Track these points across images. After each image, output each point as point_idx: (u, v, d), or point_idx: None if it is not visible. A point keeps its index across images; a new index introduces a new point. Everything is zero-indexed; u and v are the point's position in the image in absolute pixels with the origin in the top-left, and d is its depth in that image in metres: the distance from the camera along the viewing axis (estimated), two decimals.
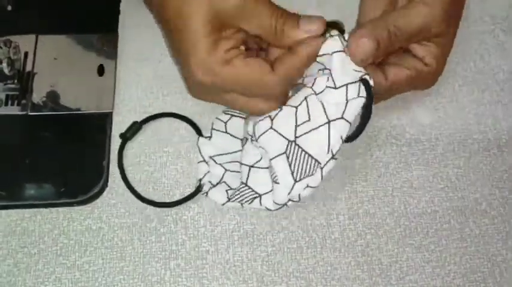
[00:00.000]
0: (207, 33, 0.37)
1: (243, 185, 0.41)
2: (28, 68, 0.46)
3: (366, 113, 0.38)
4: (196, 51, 0.37)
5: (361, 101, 0.37)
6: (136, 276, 0.40)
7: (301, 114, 0.38)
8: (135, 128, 0.44)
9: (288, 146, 0.38)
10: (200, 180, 0.42)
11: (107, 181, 0.43)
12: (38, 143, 0.44)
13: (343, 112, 0.38)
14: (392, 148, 0.45)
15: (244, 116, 0.43)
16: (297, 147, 0.38)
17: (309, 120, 0.38)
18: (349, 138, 0.39)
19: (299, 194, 0.39)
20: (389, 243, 0.42)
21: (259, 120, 0.39)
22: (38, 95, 0.45)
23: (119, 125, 0.45)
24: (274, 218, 0.42)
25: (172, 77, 0.46)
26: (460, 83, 0.48)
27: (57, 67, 0.47)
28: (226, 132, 0.44)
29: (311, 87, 0.38)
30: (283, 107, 0.39)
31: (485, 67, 0.49)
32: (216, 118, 0.44)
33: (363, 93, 0.37)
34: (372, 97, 0.38)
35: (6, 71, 0.42)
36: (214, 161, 0.43)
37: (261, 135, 0.39)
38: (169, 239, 0.41)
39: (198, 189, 0.42)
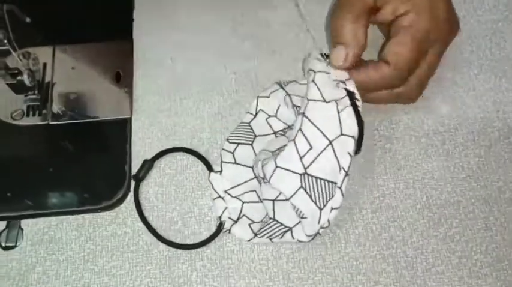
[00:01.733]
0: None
1: (271, 220, 0.40)
2: (47, 78, 0.47)
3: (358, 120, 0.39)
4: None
5: (350, 109, 0.38)
6: (163, 278, 0.40)
7: (301, 145, 0.38)
8: (147, 167, 0.43)
9: (301, 179, 0.38)
10: (220, 217, 0.41)
11: (129, 186, 0.43)
12: (60, 151, 0.45)
13: (341, 128, 0.38)
14: (411, 140, 0.45)
15: (249, 142, 0.43)
16: (310, 177, 0.38)
17: (311, 147, 0.38)
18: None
19: (328, 219, 0.38)
20: (413, 235, 0.42)
21: (264, 165, 0.39)
22: (57, 105, 0.46)
23: (138, 130, 0.45)
24: None
25: (188, 81, 0.47)
26: (475, 71, 0.48)
27: (75, 76, 0.47)
28: (235, 163, 0.43)
29: (303, 113, 0.39)
30: (283, 146, 0.39)
31: (501, 54, 0.48)
32: (223, 149, 0.43)
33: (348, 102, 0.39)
34: (356, 107, 0.39)
35: (27, 82, 0.42)
36: (230, 195, 0.42)
37: (271, 177, 0.38)
38: (194, 240, 0.41)
39: (220, 227, 0.41)
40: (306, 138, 0.38)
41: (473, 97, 0.47)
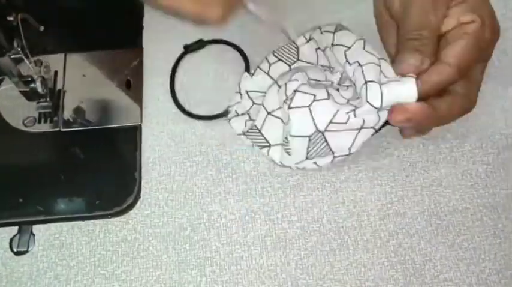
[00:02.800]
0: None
1: (257, 130, 0.44)
2: (58, 86, 0.48)
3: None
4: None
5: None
6: (173, 284, 0.40)
7: (341, 115, 0.39)
8: (200, 44, 0.49)
9: (314, 133, 0.40)
10: (229, 107, 0.46)
11: (139, 192, 0.44)
12: (72, 158, 0.45)
13: (376, 124, 0.40)
14: (419, 147, 0.45)
15: (290, 63, 0.45)
16: (322, 137, 0.40)
17: (345, 123, 0.39)
18: None
19: (304, 167, 0.42)
20: (421, 242, 0.42)
21: (303, 92, 0.40)
22: (68, 112, 0.47)
23: (148, 137, 0.46)
24: (305, 222, 0.43)
25: (197, 88, 0.47)
26: (484, 79, 0.48)
27: (86, 84, 0.48)
28: (268, 73, 0.46)
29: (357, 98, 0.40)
30: (330, 98, 0.40)
31: (508, 63, 0.49)
32: (265, 58, 0.46)
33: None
34: None
35: (39, 89, 0.43)
36: (248, 96, 0.46)
37: (296, 108, 0.40)
38: (203, 246, 0.42)
39: (223, 113, 0.46)
40: (348, 116, 0.39)
41: (481, 105, 0.47)
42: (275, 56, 0.46)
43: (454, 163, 0.45)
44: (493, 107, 0.47)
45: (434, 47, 0.39)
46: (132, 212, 0.43)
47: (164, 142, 0.45)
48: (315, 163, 0.42)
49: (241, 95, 0.46)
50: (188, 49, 0.49)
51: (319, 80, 0.42)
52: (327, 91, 0.40)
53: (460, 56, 0.38)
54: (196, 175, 0.44)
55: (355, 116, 0.39)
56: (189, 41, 0.49)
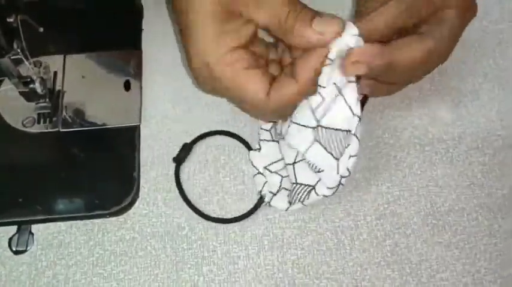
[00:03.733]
0: (214, 17, 0.35)
1: (295, 184, 0.41)
2: (58, 86, 0.48)
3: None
4: (200, 36, 0.36)
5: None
6: (171, 283, 0.41)
7: (313, 99, 0.37)
8: (186, 149, 0.45)
9: (314, 133, 0.38)
10: (260, 191, 0.43)
11: (137, 191, 0.44)
12: (71, 158, 0.46)
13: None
14: (416, 148, 0.46)
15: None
16: (323, 129, 0.38)
17: (323, 100, 0.37)
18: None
19: (347, 168, 0.39)
20: (418, 242, 0.42)
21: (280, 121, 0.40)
22: (68, 112, 0.47)
23: (147, 137, 0.46)
24: (302, 222, 0.43)
25: (196, 90, 0.48)
26: (480, 80, 0.48)
27: (85, 85, 0.48)
28: (273, 140, 0.44)
29: None
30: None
31: (505, 64, 0.49)
32: (261, 128, 0.45)
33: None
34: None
35: (39, 90, 0.43)
36: (269, 171, 0.44)
37: (286, 134, 0.39)
38: (201, 246, 0.42)
39: (261, 200, 0.43)
40: (318, 91, 0.37)
41: (478, 106, 0.47)
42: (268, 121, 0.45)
43: (450, 164, 0.45)
44: (490, 109, 0.47)
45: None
46: (130, 212, 0.43)
47: (163, 142, 0.46)
48: (350, 156, 0.38)
49: (261, 173, 0.44)
50: (179, 161, 0.44)
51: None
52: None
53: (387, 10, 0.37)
54: (194, 175, 0.45)
55: (320, 86, 0.37)
56: None
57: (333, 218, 0.43)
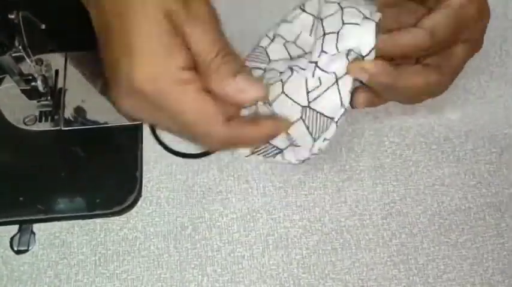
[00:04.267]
0: (160, 34, 0.31)
1: (267, 143, 0.42)
2: (59, 85, 0.47)
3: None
4: (146, 52, 0.31)
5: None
6: (174, 283, 0.40)
7: (311, 82, 0.38)
8: None
9: (302, 111, 0.39)
10: None
11: (140, 191, 0.43)
12: (72, 157, 0.45)
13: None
14: (422, 147, 0.45)
15: (263, 66, 0.44)
16: (311, 110, 0.39)
17: (320, 85, 0.38)
18: None
19: (319, 148, 0.40)
20: (424, 242, 0.42)
21: (271, 84, 0.40)
22: (69, 111, 0.46)
23: (149, 136, 0.45)
24: (307, 221, 0.42)
25: None
26: (486, 78, 0.48)
27: (86, 83, 0.48)
28: None
29: (321, 49, 0.39)
30: (294, 72, 0.39)
31: (510, 61, 0.49)
32: None
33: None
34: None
35: (40, 88, 0.43)
36: None
37: (274, 100, 0.39)
38: (205, 245, 0.41)
39: None
40: (319, 78, 0.38)
41: (484, 104, 0.47)
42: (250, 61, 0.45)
43: (457, 162, 0.44)
44: (496, 106, 0.47)
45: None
46: (133, 211, 0.43)
47: (165, 141, 0.45)
48: (324, 139, 0.40)
49: None
50: None
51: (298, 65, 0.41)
52: (289, 67, 0.40)
53: (436, 23, 0.37)
54: (197, 174, 0.44)
55: (320, 69, 0.38)
56: None
57: (338, 217, 0.42)
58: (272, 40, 0.45)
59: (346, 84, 0.38)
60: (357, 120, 0.46)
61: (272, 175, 0.44)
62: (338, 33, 0.38)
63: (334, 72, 0.38)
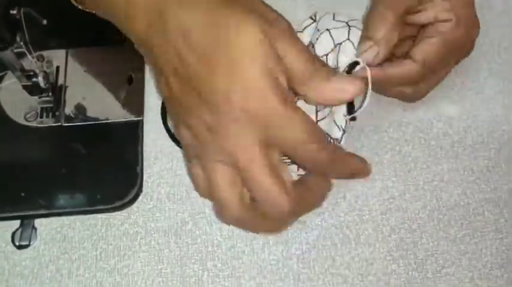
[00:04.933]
0: (265, 54, 0.31)
1: None
2: (60, 81, 0.48)
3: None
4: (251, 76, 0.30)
5: None
6: (175, 278, 0.40)
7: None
8: None
9: None
10: None
11: (141, 186, 0.44)
12: (73, 152, 0.45)
13: None
14: (421, 142, 0.45)
15: None
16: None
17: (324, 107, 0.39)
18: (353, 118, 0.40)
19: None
20: (423, 237, 0.42)
21: None
22: (70, 107, 0.47)
23: (150, 132, 0.46)
24: (307, 217, 0.42)
25: None
26: (485, 75, 0.48)
27: (87, 79, 0.48)
28: None
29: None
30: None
31: (509, 58, 0.49)
32: None
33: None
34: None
35: (42, 84, 0.43)
36: None
37: None
38: (205, 240, 0.42)
39: None
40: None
41: (482, 100, 0.47)
42: None
43: (456, 158, 0.45)
44: (494, 103, 0.47)
45: (390, 36, 0.38)
46: (134, 206, 0.43)
47: (166, 137, 0.45)
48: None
49: None
50: None
51: None
52: None
53: (427, 54, 0.39)
54: None
55: None
56: None
57: (338, 212, 0.43)
58: None
59: (338, 110, 0.39)
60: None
61: None
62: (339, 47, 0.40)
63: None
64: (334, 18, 0.42)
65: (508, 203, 0.43)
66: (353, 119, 0.40)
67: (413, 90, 0.42)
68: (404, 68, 0.39)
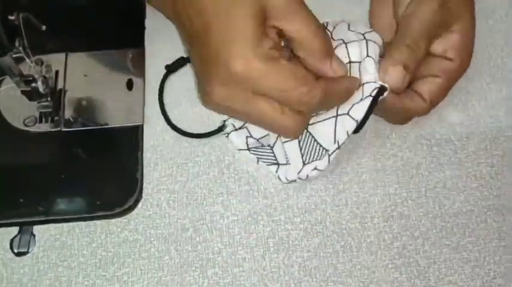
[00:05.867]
0: (254, 25, 0.36)
1: (269, 148, 0.43)
2: (59, 85, 0.47)
3: (368, 111, 0.40)
4: (239, 41, 0.36)
5: (368, 101, 0.40)
6: (175, 285, 0.40)
7: None
8: (180, 61, 0.47)
9: None
10: (224, 121, 0.44)
11: (141, 192, 0.43)
12: (73, 158, 0.45)
13: (349, 109, 0.40)
14: (423, 149, 0.45)
15: None
16: (308, 133, 0.41)
17: (321, 112, 0.41)
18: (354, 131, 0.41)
19: (307, 175, 0.41)
20: (426, 244, 0.41)
21: None
22: (69, 112, 0.46)
23: (150, 137, 0.45)
24: (309, 224, 0.42)
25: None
26: (488, 80, 0.48)
27: (87, 83, 0.47)
28: None
29: None
30: None
31: None
32: None
33: (372, 93, 0.40)
34: (376, 101, 0.40)
35: (41, 89, 0.43)
36: None
37: None
38: (206, 248, 0.41)
39: (221, 128, 0.44)
40: None
41: (485, 106, 0.47)
42: None
43: (459, 165, 0.44)
44: (498, 109, 0.46)
45: (419, 64, 0.41)
46: (133, 213, 0.42)
47: (166, 142, 0.45)
48: (315, 168, 0.41)
49: None
50: (171, 68, 0.47)
51: None
52: None
53: (434, 94, 0.42)
54: (198, 176, 0.44)
55: None
56: None
57: (339, 220, 0.42)
58: None
59: (346, 124, 0.40)
60: None
61: (273, 177, 0.43)
62: (360, 63, 0.40)
63: (336, 109, 0.40)
64: (349, 28, 0.42)
65: (511, 210, 0.42)
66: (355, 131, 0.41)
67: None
68: (415, 105, 0.41)
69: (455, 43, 0.41)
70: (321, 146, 0.41)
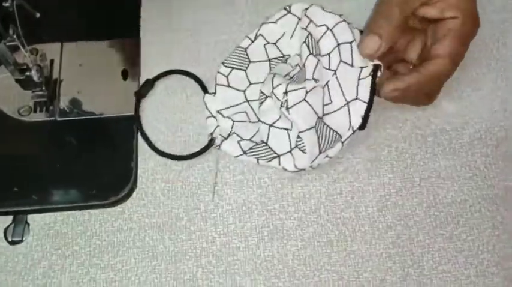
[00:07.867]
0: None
1: (263, 143, 0.43)
2: (55, 75, 0.47)
3: (371, 92, 0.41)
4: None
5: (369, 80, 0.41)
6: (169, 274, 0.40)
7: (325, 96, 0.42)
8: (148, 86, 0.46)
9: (317, 121, 0.41)
10: (211, 134, 0.44)
11: (135, 181, 0.43)
12: (67, 147, 0.45)
13: (357, 93, 0.41)
14: (418, 139, 0.45)
15: (244, 67, 0.46)
16: (323, 123, 0.41)
17: (331, 102, 0.41)
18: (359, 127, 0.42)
19: (318, 163, 0.42)
20: (420, 234, 0.42)
21: (293, 90, 0.41)
22: (64, 101, 0.46)
23: (144, 127, 0.45)
24: (303, 213, 0.42)
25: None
26: (483, 71, 0.48)
27: (82, 73, 0.47)
28: (228, 86, 0.45)
29: (334, 71, 0.42)
30: (317, 84, 0.41)
31: (508, 54, 0.48)
32: (218, 72, 0.45)
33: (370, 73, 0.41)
34: (375, 82, 0.41)
35: (35, 78, 0.43)
36: (222, 115, 0.44)
37: (294, 105, 0.41)
38: (200, 237, 0.41)
39: (211, 142, 0.44)
40: (329, 93, 0.42)
41: (480, 96, 0.47)
42: (227, 66, 0.45)
43: (453, 155, 0.44)
44: (492, 99, 0.46)
45: (393, 32, 0.41)
46: (128, 202, 0.43)
47: (160, 132, 0.45)
48: (326, 156, 0.42)
49: (214, 117, 0.44)
50: (140, 95, 0.46)
51: (289, 74, 0.44)
52: (313, 79, 0.41)
53: (449, 48, 0.41)
54: (193, 165, 0.44)
55: (337, 80, 0.42)
56: (188, 34, 0.49)
57: (334, 209, 0.42)
58: (253, 41, 0.46)
59: (358, 108, 0.41)
60: None
61: (267, 167, 0.43)
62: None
63: (345, 97, 0.41)
64: (324, 10, 0.43)
65: (505, 200, 0.43)
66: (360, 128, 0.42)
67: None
68: (438, 65, 0.41)
69: (451, 2, 0.41)
70: (336, 133, 0.41)
